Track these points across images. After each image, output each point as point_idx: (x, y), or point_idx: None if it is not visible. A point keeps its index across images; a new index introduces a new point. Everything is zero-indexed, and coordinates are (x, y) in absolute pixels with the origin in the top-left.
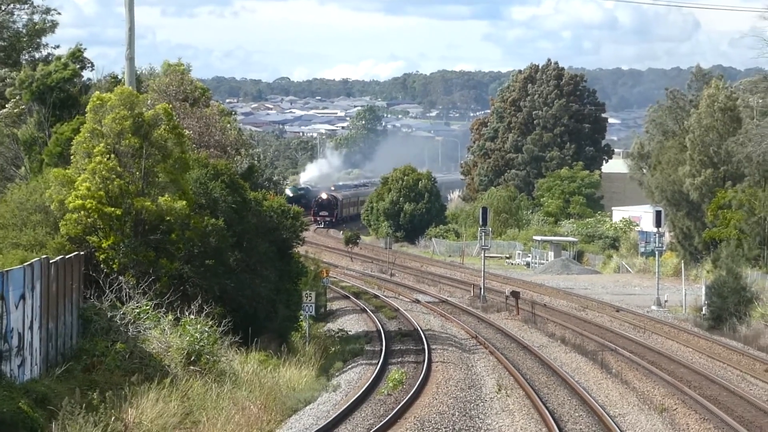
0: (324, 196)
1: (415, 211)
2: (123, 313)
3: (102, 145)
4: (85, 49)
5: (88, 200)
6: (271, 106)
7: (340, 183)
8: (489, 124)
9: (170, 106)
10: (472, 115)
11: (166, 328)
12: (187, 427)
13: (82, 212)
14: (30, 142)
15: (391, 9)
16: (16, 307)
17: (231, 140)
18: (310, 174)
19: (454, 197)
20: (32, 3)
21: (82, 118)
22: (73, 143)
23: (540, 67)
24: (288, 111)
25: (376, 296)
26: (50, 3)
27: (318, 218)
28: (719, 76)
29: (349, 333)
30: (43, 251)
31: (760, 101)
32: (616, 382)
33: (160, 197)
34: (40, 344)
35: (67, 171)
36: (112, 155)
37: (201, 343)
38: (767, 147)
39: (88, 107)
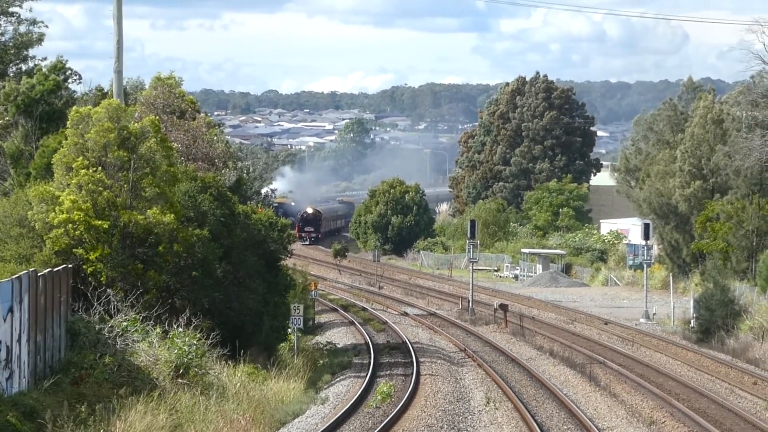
0: (309, 210)
1: (403, 223)
2: (111, 326)
3: (81, 159)
4: (66, 60)
5: (75, 212)
6: (259, 119)
7: (300, 197)
8: (476, 136)
9: (157, 118)
10: (460, 127)
11: (155, 341)
12: None
13: (69, 225)
14: (16, 156)
15: (379, 22)
16: (4, 320)
17: (219, 153)
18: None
19: (443, 210)
20: (18, 15)
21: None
22: (54, 157)
23: (528, 79)
24: (276, 124)
25: (364, 309)
26: (38, 15)
27: (303, 234)
28: (710, 90)
29: (338, 346)
30: (28, 265)
31: (746, 114)
32: (605, 394)
33: (148, 210)
34: (28, 357)
35: (48, 188)
36: (99, 168)
37: (189, 356)
38: (755, 160)
39: (69, 122)
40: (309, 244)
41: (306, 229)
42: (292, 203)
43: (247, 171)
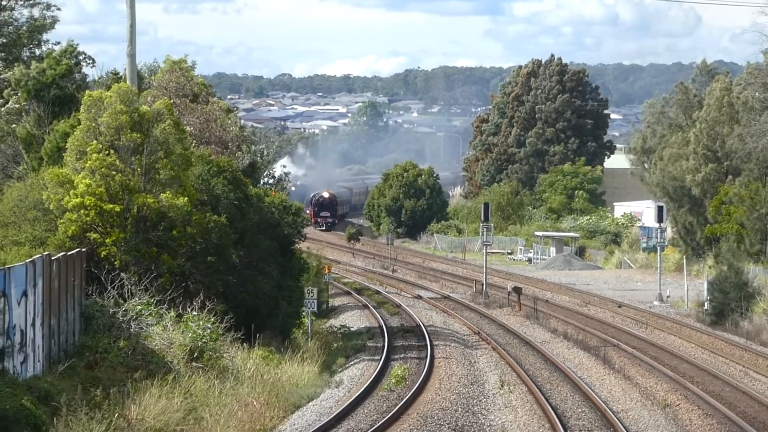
0: (326, 194)
1: (416, 207)
2: (125, 310)
3: (95, 143)
4: (77, 45)
5: (87, 197)
6: (272, 103)
7: (298, 182)
8: (490, 119)
9: (170, 102)
10: (473, 110)
11: (169, 325)
12: (190, 424)
13: (81, 210)
14: (29, 140)
15: (392, 5)
16: (19, 304)
17: (232, 136)
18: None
19: (456, 193)
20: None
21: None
22: (67, 142)
23: (543, 62)
24: (289, 107)
25: (378, 292)
26: None
27: (319, 219)
28: (726, 72)
29: (352, 329)
30: (43, 249)
31: (758, 95)
32: (619, 377)
33: (161, 194)
34: (42, 341)
35: (63, 170)
36: (112, 151)
37: (203, 340)
38: (767, 143)
39: (82, 106)
40: (325, 230)
41: (322, 214)
42: (293, 188)
43: (260, 155)
